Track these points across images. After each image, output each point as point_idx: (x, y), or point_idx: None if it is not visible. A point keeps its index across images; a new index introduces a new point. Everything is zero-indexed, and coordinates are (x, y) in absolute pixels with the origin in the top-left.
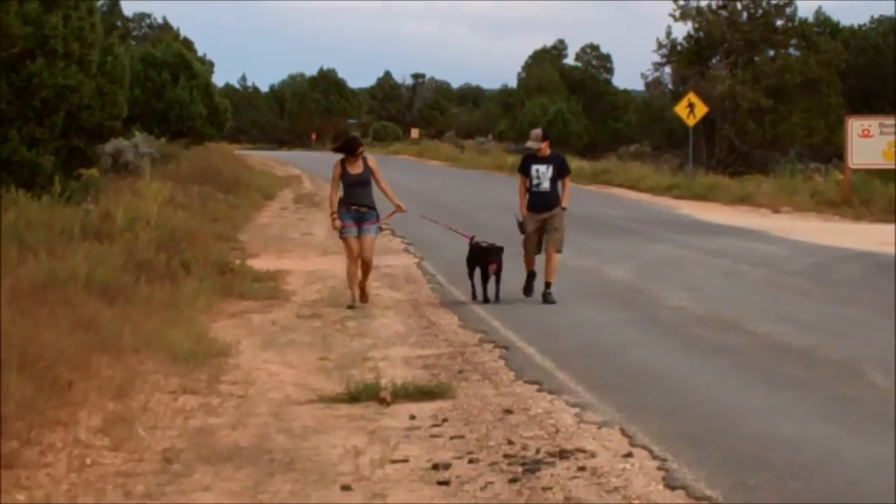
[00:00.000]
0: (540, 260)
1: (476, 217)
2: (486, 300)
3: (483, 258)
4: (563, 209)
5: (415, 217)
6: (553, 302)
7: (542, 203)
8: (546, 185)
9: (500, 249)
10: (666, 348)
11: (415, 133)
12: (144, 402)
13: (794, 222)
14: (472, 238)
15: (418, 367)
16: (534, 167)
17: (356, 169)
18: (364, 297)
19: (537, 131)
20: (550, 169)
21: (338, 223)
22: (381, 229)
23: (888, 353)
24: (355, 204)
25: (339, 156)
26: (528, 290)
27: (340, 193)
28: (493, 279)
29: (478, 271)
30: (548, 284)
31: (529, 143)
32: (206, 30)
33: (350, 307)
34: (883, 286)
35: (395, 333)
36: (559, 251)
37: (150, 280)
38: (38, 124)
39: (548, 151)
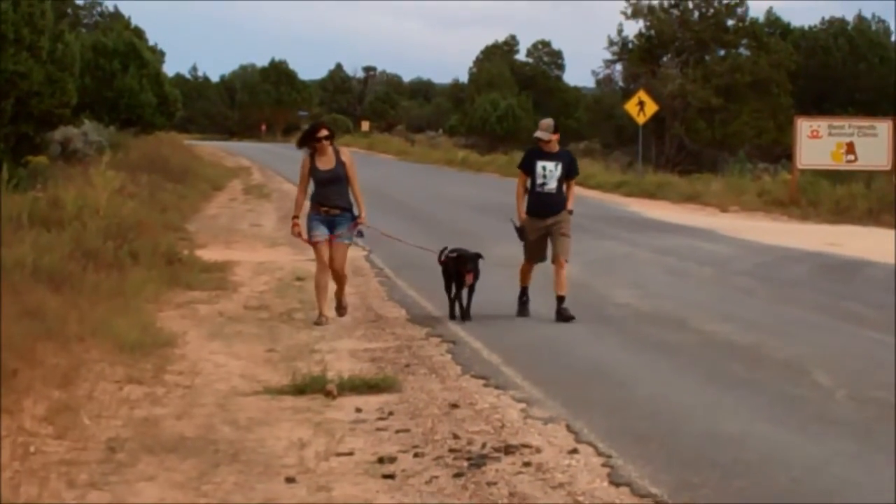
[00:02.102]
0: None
1: (428, 212)
2: (463, 317)
3: (457, 268)
4: (570, 213)
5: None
6: (572, 317)
7: (546, 206)
8: (553, 185)
9: (476, 257)
10: (612, 345)
11: (365, 126)
12: (89, 390)
13: (742, 222)
14: (441, 251)
15: (365, 360)
16: (539, 164)
17: (327, 164)
18: (342, 310)
19: (548, 121)
20: (559, 167)
21: (297, 230)
22: (361, 234)
23: (832, 353)
24: (326, 205)
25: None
26: (523, 310)
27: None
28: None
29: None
30: (561, 299)
31: (539, 134)
32: (157, 19)
33: (317, 323)
34: (828, 287)
35: (342, 326)
36: (567, 260)
37: (98, 269)
38: None
39: (556, 147)
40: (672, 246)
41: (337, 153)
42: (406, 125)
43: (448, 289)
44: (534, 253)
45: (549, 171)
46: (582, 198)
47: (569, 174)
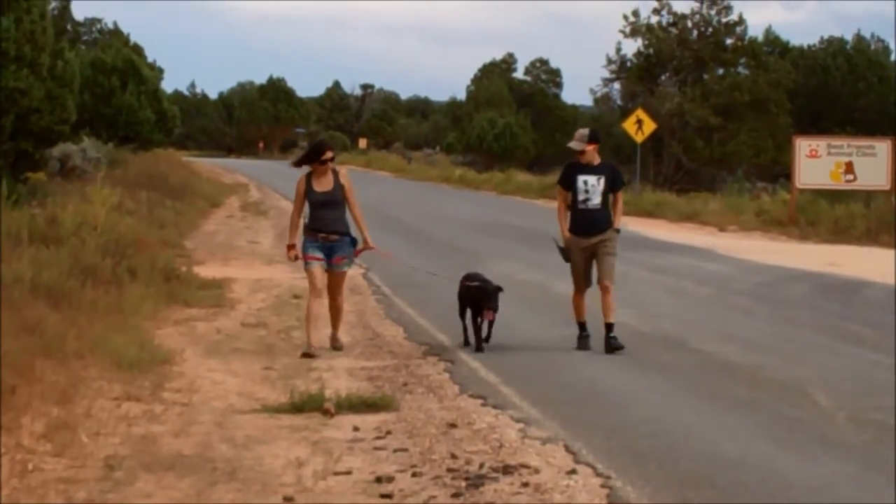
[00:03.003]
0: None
1: (427, 230)
2: (479, 348)
3: (476, 301)
4: (617, 231)
5: (396, 260)
6: (620, 347)
7: (591, 224)
8: (597, 200)
9: (497, 291)
10: (611, 365)
11: (363, 143)
12: (88, 408)
13: (740, 241)
14: (464, 277)
15: (363, 378)
16: (580, 178)
17: (324, 186)
18: (336, 341)
19: (584, 131)
20: (602, 181)
21: (293, 254)
22: (353, 261)
23: (832, 374)
24: (323, 231)
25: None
26: (583, 346)
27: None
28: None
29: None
30: (609, 326)
31: (572, 144)
32: (156, 36)
33: (306, 355)
34: (828, 307)
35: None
36: (612, 283)
37: (96, 285)
38: None
39: (597, 158)
40: (670, 265)
41: (336, 175)
42: (403, 142)
43: (462, 315)
44: (581, 276)
45: (592, 186)
46: None
47: (613, 187)
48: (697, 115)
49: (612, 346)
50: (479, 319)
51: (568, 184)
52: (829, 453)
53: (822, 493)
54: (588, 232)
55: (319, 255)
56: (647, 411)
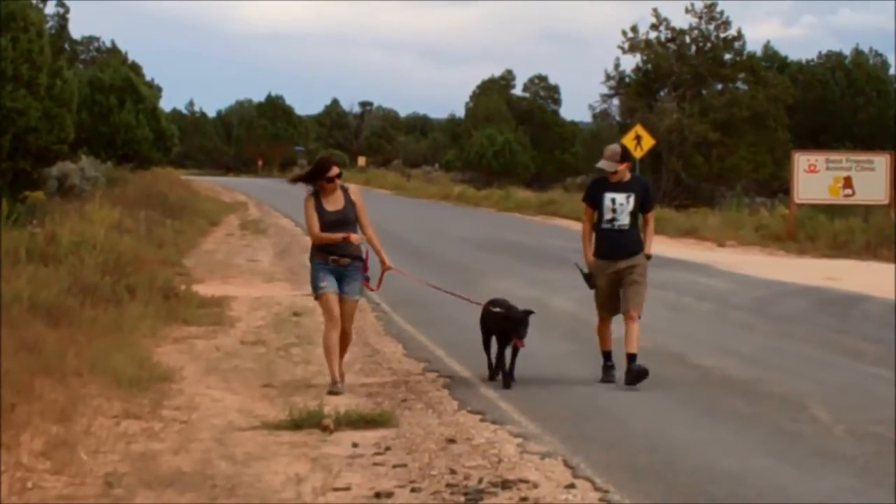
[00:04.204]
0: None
1: (428, 248)
2: (507, 382)
3: (503, 328)
4: (648, 258)
5: (410, 279)
6: (644, 375)
7: (618, 246)
8: (625, 220)
9: (526, 317)
10: None
11: (362, 161)
12: (87, 426)
13: (739, 256)
14: (486, 305)
15: (362, 395)
16: (608, 196)
17: (334, 204)
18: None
19: (615, 147)
20: (631, 199)
21: (345, 261)
22: (368, 279)
23: (831, 388)
24: (335, 253)
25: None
26: (607, 377)
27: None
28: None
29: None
30: (631, 357)
31: (602, 164)
32: (154, 54)
33: (333, 392)
34: (826, 321)
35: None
36: (639, 315)
37: (95, 304)
38: None
39: (627, 175)
40: (669, 280)
41: (346, 192)
42: (403, 160)
43: (486, 345)
44: (606, 304)
45: (620, 205)
46: (579, 232)
47: (644, 206)
48: (696, 131)
49: (632, 377)
50: (504, 350)
51: (594, 202)
52: (828, 466)
53: None
54: (615, 255)
55: (332, 281)
56: (646, 426)
